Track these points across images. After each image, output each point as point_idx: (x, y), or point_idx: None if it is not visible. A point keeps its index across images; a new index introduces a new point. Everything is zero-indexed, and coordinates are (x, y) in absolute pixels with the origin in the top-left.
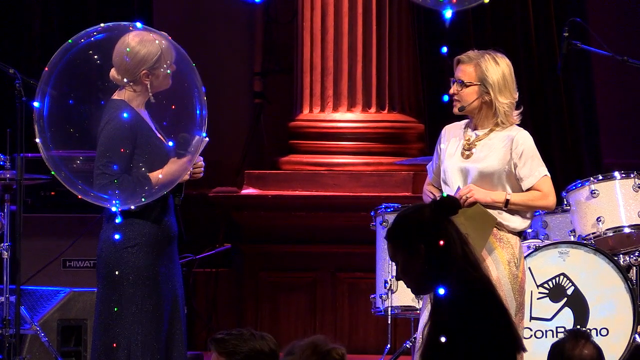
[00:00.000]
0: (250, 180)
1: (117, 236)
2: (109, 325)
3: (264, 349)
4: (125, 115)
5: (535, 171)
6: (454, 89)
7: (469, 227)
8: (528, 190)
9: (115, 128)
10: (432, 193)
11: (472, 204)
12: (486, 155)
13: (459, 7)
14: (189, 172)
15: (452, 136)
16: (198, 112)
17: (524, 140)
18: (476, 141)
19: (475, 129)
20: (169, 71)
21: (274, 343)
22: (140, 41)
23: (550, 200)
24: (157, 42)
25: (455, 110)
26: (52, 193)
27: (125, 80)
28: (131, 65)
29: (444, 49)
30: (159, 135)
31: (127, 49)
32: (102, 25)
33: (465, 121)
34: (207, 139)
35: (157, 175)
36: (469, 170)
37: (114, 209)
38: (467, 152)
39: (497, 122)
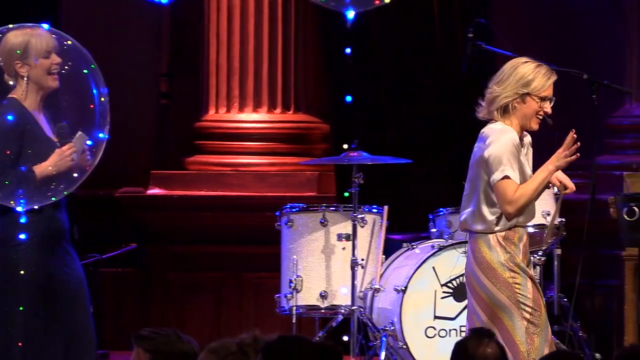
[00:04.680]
0: (156, 180)
1: (22, 236)
2: None
3: (189, 351)
4: (10, 114)
5: None
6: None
7: None
8: None
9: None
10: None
11: None
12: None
13: (361, 9)
14: (71, 160)
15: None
16: (97, 111)
17: None
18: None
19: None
20: (47, 63)
21: (197, 347)
22: (15, 34)
23: None
24: (28, 33)
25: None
26: None
27: (7, 75)
28: (5, 58)
29: (348, 50)
30: (49, 136)
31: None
32: (10, 26)
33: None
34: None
35: (41, 168)
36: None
37: (19, 208)
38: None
39: None
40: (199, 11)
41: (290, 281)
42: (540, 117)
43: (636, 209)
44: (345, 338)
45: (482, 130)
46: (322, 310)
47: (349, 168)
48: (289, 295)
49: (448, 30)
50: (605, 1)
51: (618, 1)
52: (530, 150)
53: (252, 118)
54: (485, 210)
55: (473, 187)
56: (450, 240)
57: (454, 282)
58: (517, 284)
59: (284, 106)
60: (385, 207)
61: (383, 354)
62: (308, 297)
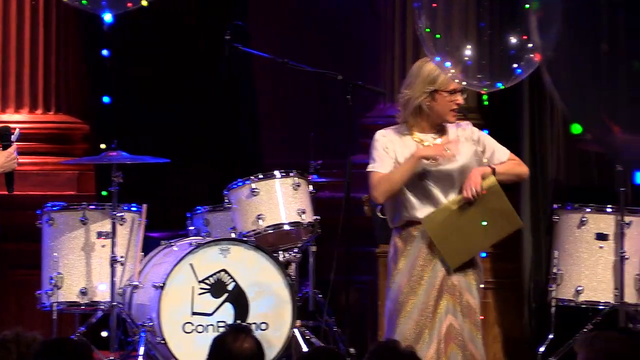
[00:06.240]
0: None
1: None
2: None
3: None
4: None
5: (503, 149)
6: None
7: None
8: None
9: None
10: None
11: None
12: (461, 152)
13: (117, 11)
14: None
15: (398, 142)
16: None
17: (478, 130)
18: (447, 142)
19: (430, 132)
20: None
21: None
22: None
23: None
24: None
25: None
26: None
27: None
28: None
29: (105, 52)
30: None
31: None
32: None
33: (399, 127)
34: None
35: None
36: (451, 172)
37: None
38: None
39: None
40: None
41: (51, 278)
42: (455, 110)
43: None
44: (105, 334)
45: None
46: (82, 307)
47: (109, 167)
48: (49, 292)
49: (207, 31)
50: (361, 2)
51: (373, 3)
52: (468, 142)
53: (14, 119)
54: (386, 206)
55: None
56: (208, 238)
57: (211, 278)
58: (393, 280)
59: (45, 107)
60: (144, 206)
61: (142, 349)
62: (68, 293)
